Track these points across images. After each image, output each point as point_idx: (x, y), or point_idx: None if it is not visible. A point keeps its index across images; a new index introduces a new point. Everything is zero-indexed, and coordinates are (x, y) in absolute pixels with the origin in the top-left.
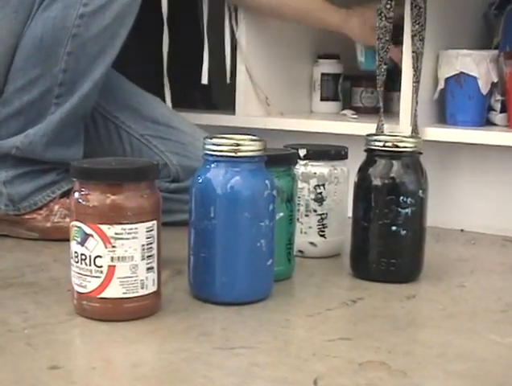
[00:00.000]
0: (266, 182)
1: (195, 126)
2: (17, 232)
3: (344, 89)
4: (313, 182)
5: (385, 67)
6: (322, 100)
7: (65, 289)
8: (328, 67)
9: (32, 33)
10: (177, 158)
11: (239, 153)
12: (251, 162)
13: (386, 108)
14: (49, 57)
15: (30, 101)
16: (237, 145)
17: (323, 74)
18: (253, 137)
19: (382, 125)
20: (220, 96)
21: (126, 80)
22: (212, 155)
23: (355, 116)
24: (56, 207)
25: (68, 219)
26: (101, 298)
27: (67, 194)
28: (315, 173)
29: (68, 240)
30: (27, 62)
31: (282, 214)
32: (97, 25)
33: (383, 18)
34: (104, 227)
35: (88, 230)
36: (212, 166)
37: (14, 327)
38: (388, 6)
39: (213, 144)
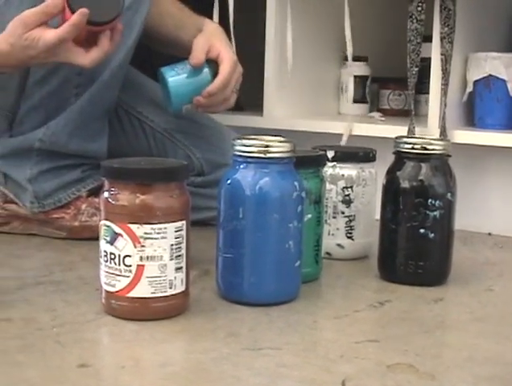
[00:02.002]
0: (295, 183)
1: (218, 122)
2: (45, 231)
3: (371, 91)
4: (341, 183)
5: (416, 69)
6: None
7: (93, 288)
8: (357, 69)
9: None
10: (201, 152)
11: (268, 155)
12: (280, 164)
13: (415, 111)
14: None
15: (50, 92)
16: (267, 146)
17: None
18: (282, 139)
19: (414, 127)
20: (247, 98)
21: (150, 79)
22: (241, 156)
23: (383, 118)
24: (84, 205)
25: (95, 218)
26: (129, 297)
27: (93, 192)
28: (343, 175)
29: (95, 238)
30: None
31: (310, 215)
32: None
33: (414, 21)
34: (133, 227)
35: (117, 229)
36: (241, 166)
37: (43, 325)
38: (419, 9)
39: (243, 145)
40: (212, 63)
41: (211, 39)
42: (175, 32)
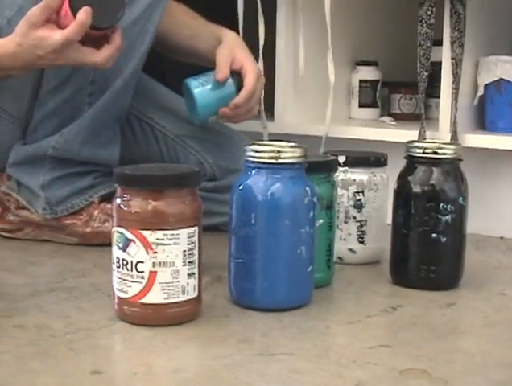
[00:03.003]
0: (307, 188)
1: (230, 127)
2: (57, 237)
3: (382, 96)
4: (352, 188)
5: (426, 73)
6: (360, 106)
7: (106, 294)
8: (367, 73)
9: None
10: (212, 158)
11: (280, 160)
12: (292, 169)
13: (425, 115)
14: None
15: (63, 101)
16: (278, 152)
17: (361, 80)
18: (294, 144)
19: (424, 131)
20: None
21: (161, 85)
22: (252, 162)
23: (394, 122)
24: (96, 212)
25: (107, 224)
26: (142, 304)
27: (105, 198)
28: (354, 180)
29: (107, 244)
30: None
31: (321, 221)
32: (124, 20)
33: (424, 25)
34: (146, 233)
35: (129, 236)
36: (253, 172)
37: (56, 332)
38: (429, 13)
39: (254, 150)
40: (236, 74)
41: (233, 51)
42: (190, 41)
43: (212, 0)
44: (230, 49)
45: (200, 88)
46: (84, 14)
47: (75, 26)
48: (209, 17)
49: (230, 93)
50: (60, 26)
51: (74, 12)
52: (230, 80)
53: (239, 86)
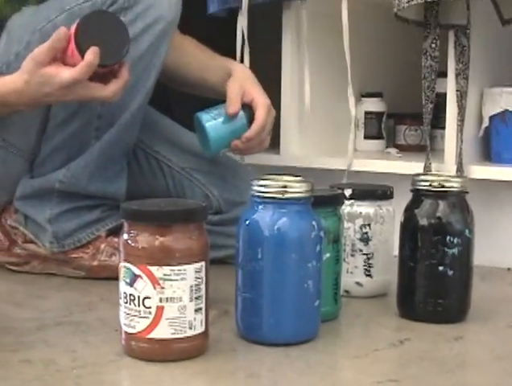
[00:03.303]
0: (313, 223)
1: (235, 160)
2: (64, 270)
3: (387, 127)
4: (359, 221)
5: (431, 106)
6: (366, 138)
7: (113, 328)
8: (372, 105)
9: None
10: (218, 190)
11: (286, 195)
12: (298, 204)
13: (431, 146)
14: None
15: (70, 135)
16: (284, 186)
17: (366, 112)
18: (300, 179)
19: (430, 164)
20: None
21: (166, 117)
22: (259, 196)
23: (399, 154)
24: (103, 245)
25: (114, 258)
26: (149, 339)
27: (112, 232)
28: (360, 213)
29: (114, 278)
30: None
31: (328, 254)
32: (131, 55)
33: (428, 58)
34: (153, 269)
35: (137, 271)
36: (260, 207)
37: (62, 367)
38: (433, 46)
39: (260, 185)
40: (247, 107)
41: (244, 84)
42: (199, 74)
43: (218, 33)
44: (241, 82)
45: (212, 122)
46: (91, 54)
47: (83, 67)
48: (216, 49)
49: (242, 126)
50: (67, 64)
51: (81, 52)
52: (241, 113)
53: (250, 119)
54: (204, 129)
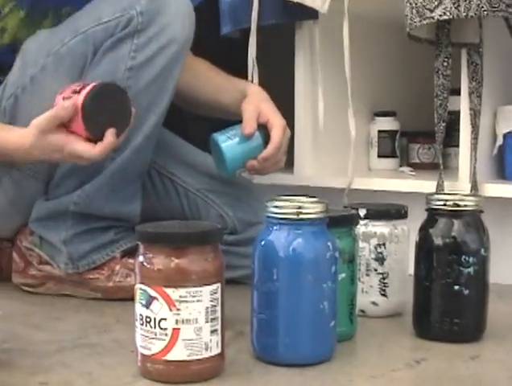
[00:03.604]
0: (328, 243)
1: (249, 180)
2: (80, 292)
3: (401, 146)
4: (374, 241)
5: (443, 124)
6: (379, 156)
7: (129, 350)
8: (385, 124)
9: None
10: (233, 211)
11: (301, 216)
12: (313, 224)
13: (444, 164)
14: None
15: None
16: (299, 207)
17: (380, 131)
18: (315, 200)
19: (443, 182)
20: None
21: (180, 139)
22: (274, 218)
23: (413, 172)
24: (118, 267)
25: (129, 279)
26: (165, 361)
27: (127, 253)
28: (375, 232)
29: (130, 299)
30: None
31: (343, 275)
32: (145, 77)
33: (440, 76)
34: (168, 291)
35: (152, 293)
36: (275, 228)
37: None
38: (445, 64)
39: (275, 206)
40: (262, 128)
41: (259, 105)
42: (214, 96)
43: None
44: (256, 103)
45: (228, 142)
46: (111, 137)
47: (104, 148)
48: (228, 72)
49: (257, 146)
50: (69, 128)
51: (87, 127)
52: (257, 134)
53: (266, 139)
54: (221, 149)
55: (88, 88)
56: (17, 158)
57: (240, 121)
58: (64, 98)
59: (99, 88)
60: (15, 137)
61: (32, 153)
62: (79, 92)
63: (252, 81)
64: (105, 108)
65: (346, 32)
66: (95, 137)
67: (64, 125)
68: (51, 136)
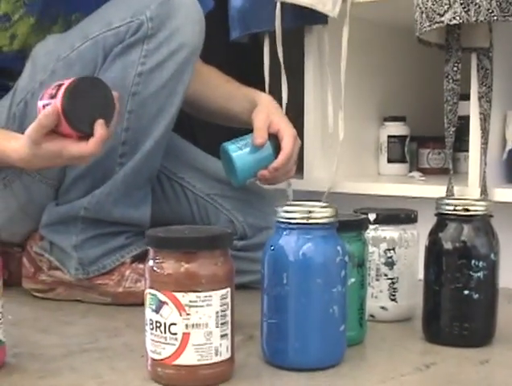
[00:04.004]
0: (338, 248)
1: (258, 185)
2: (90, 297)
3: (410, 151)
4: (383, 246)
5: (453, 129)
6: (389, 162)
7: (139, 354)
8: (395, 129)
9: None
10: (243, 216)
11: (311, 221)
12: (323, 229)
13: (454, 169)
14: None
15: (95, 162)
16: (309, 212)
17: (389, 136)
18: (325, 204)
19: (452, 187)
20: None
21: (190, 144)
22: (284, 222)
23: (423, 178)
24: (128, 272)
25: (139, 284)
26: (175, 365)
27: (137, 258)
28: (385, 237)
29: (139, 304)
30: None
31: (353, 279)
32: (155, 82)
33: (450, 81)
34: (178, 295)
35: (162, 298)
36: (285, 233)
37: None
38: (455, 69)
39: (285, 211)
40: (273, 137)
41: (270, 115)
42: (223, 104)
43: (239, 61)
44: (267, 112)
45: (239, 152)
46: (101, 129)
47: (97, 142)
48: (237, 77)
49: (268, 156)
50: (61, 133)
51: (71, 125)
52: (268, 144)
53: (276, 149)
54: (231, 159)
55: (62, 90)
56: (22, 167)
57: (250, 131)
58: (44, 106)
59: (72, 86)
60: (14, 147)
61: (33, 162)
62: (55, 95)
63: (281, 87)
64: (85, 104)
65: (345, 35)
66: (86, 134)
67: (55, 131)
68: (44, 144)
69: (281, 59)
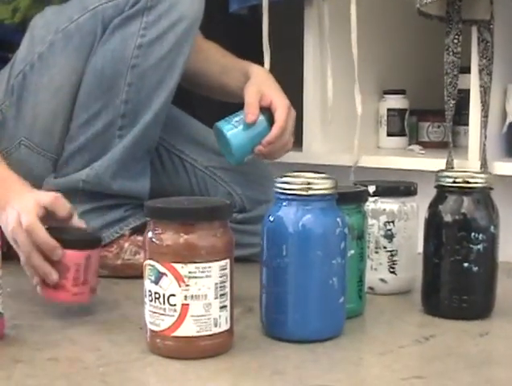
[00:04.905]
0: (338, 219)
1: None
2: None
3: (410, 124)
4: (383, 218)
5: (453, 102)
6: (389, 135)
7: (137, 326)
8: (394, 102)
9: (93, 67)
10: (241, 189)
11: (310, 192)
12: (322, 201)
13: (454, 142)
14: (110, 89)
15: (94, 135)
16: (309, 183)
17: (389, 109)
18: (324, 176)
19: (452, 160)
20: None
21: (189, 116)
22: (283, 194)
23: (422, 151)
24: (126, 244)
25: (138, 257)
26: (174, 337)
27: (136, 230)
28: (384, 209)
29: (138, 276)
30: (90, 96)
31: (353, 251)
32: (154, 55)
33: (451, 53)
34: (177, 266)
35: (161, 269)
36: (284, 204)
37: (89, 365)
38: (455, 41)
39: (284, 182)
40: (266, 110)
41: (261, 88)
42: (219, 78)
43: (239, 35)
44: (258, 86)
45: (233, 131)
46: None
47: None
48: (236, 52)
49: (263, 130)
50: None
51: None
52: (262, 118)
53: (271, 122)
54: (226, 138)
55: None
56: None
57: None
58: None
59: None
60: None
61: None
62: None
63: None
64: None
65: (354, 9)
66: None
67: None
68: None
69: (265, 33)
